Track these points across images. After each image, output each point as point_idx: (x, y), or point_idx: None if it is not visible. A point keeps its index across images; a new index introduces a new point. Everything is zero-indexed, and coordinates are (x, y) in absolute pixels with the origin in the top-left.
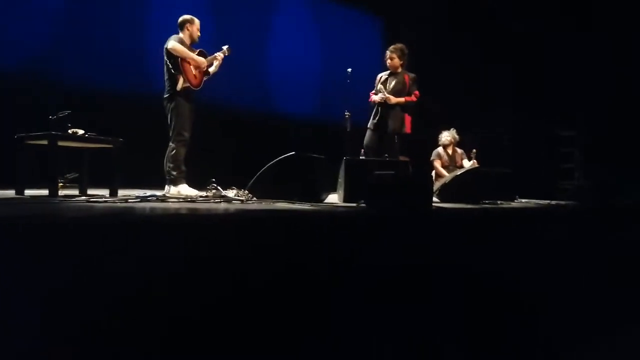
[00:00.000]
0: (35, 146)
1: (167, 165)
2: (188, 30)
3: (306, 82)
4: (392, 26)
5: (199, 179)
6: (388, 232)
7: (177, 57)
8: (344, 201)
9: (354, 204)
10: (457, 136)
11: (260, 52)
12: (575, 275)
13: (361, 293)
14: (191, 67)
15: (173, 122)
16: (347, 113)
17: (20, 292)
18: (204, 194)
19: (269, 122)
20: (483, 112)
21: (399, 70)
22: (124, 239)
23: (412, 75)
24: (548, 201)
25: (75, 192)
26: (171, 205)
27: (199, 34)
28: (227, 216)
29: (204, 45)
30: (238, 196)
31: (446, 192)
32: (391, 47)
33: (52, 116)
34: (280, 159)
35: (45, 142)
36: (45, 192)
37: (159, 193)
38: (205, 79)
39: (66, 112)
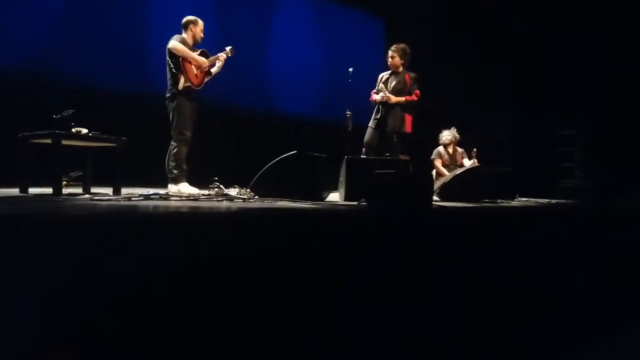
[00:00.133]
0: (39, 145)
1: (169, 163)
2: (191, 30)
3: (307, 81)
4: (392, 26)
5: (201, 178)
6: (388, 231)
7: (178, 56)
8: (345, 200)
9: (355, 203)
10: (457, 135)
11: (262, 51)
12: (575, 275)
13: (361, 293)
14: (192, 66)
15: (175, 121)
16: (348, 112)
17: (21, 291)
18: (204, 192)
19: (270, 122)
20: (483, 111)
21: (400, 69)
22: (124, 238)
23: (412, 74)
24: (548, 200)
25: (79, 190)
26: (174, 203)
27: (202, 35)
28: (227, 215)
29: (204, 45)
30: (240, 195)
31: (447, 191)
32: (393, 47)
33: (56, 115)
34: (282, 158)
35: (49, 140)
36: (49, 190)
37: (162, 191)
38: (207, 79)
39: (70, 112)
